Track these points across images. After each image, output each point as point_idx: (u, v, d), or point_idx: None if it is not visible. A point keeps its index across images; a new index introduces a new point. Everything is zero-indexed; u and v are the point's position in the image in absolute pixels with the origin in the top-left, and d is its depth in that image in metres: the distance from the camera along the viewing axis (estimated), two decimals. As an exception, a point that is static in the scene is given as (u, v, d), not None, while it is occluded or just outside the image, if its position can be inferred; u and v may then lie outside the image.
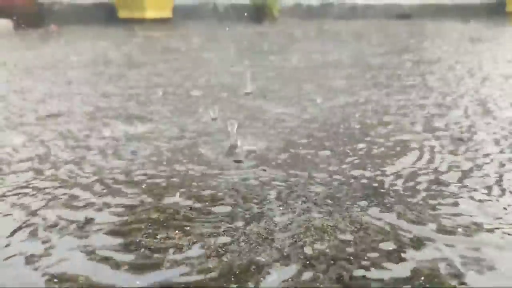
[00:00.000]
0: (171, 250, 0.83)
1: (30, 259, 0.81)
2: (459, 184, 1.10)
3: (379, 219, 0.94)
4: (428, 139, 1.45)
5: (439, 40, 4.47)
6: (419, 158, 1.29)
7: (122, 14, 7.10)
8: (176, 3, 7.35)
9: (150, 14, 6.96)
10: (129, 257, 0.82)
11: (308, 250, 0.82)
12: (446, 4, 9.00)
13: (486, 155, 1.30)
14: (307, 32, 5.86)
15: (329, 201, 1.02)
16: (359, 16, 8.48)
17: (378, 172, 1.18)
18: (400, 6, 8.83)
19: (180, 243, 0.85)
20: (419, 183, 1.12)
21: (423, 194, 1.05)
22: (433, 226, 0.90)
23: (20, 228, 0.92)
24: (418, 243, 0.85)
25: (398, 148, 1.37)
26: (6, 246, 0.86)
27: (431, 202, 1.01)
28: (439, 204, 1.00)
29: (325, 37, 5.15)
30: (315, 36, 5.31)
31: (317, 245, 0.84)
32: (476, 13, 8.63)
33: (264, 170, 1.21)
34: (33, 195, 1.08)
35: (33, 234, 0.90)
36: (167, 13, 7.20)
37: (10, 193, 1.09)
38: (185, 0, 7.64)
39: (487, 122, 1.63)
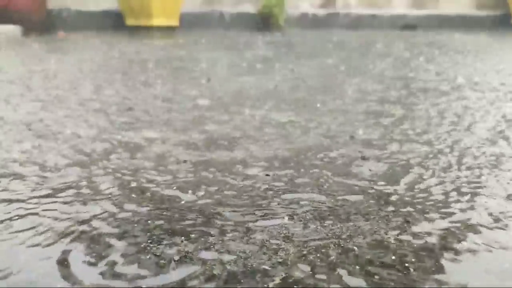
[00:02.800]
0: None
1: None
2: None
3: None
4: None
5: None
6: None
7: (130, 21, 7.16)
8: (182, 11, 7.41)
9: (157, 22, 7.02)
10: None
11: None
12: (451, 15, 9.03)
13: None
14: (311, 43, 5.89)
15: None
16: (364, 27, 8.52)
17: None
18: (406, 17, 8.86)
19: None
20: None
21: None
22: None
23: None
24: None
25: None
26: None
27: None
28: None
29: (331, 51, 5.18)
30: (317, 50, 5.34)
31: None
32: (481, 25, 8.65)
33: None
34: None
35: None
36: (174, 21, 7.25)
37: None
38: (191, 9, 7.70)
39: None
